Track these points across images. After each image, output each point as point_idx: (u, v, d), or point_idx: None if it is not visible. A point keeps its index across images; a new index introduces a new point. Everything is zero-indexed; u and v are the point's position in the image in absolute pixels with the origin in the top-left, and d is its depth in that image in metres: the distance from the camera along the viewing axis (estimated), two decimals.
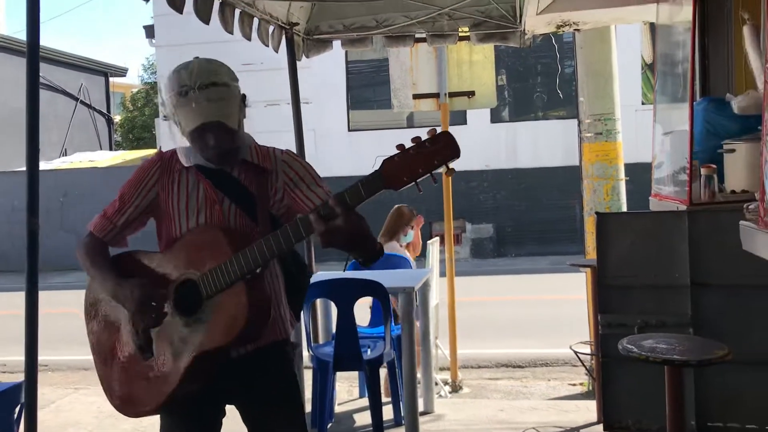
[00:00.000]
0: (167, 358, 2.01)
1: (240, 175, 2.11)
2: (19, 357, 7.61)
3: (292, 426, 2.14)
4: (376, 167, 1.76)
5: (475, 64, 5.37)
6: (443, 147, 1.71)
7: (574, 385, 5.41)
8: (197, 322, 1.98)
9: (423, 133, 1.75)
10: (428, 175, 1.72)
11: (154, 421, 2.20)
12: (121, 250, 2.21)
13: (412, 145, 1.73)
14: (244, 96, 2.09)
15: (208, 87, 1.97)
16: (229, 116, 2.00)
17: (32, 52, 2.38)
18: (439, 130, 1.76)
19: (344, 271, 4.57)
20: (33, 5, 2.35)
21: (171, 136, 2.10)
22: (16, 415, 2.42)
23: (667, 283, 3.20)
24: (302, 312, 3.77)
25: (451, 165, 1.73)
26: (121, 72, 25.00)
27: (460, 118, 12.88)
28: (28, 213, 2.38)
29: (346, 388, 5.14)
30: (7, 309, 10.43)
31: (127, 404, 2.11)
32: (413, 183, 1.73)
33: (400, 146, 1.74)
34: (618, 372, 3.33)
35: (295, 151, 4.70)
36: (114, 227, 2.17)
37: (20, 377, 5.44)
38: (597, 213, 3.40)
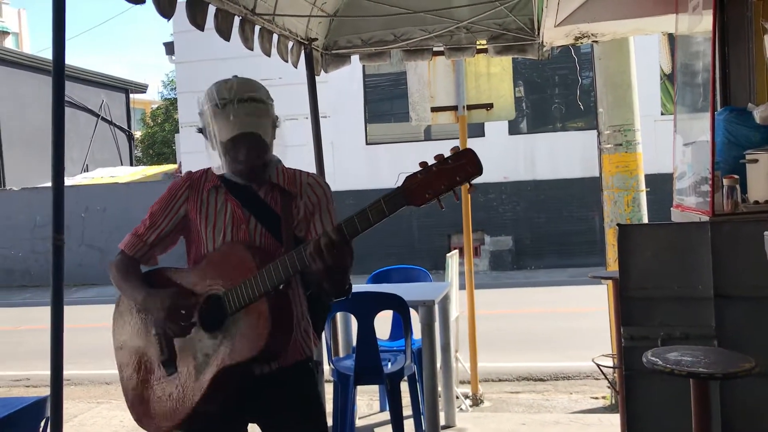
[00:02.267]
0: (190, 373, 2.03)
1: (266, 196, 2.15)
2: (43, 371, 7.65)
3: None
4: (399, 183, 1.77)
5: (493, 76, 5.38)
6: (466, 164, 1.72)
7: (597, 398, 5.35)
8: (221, 337, 2.00)
9: (441, 146, 1.76)
10: (450, 191, 1.73)
11: None
12: (151, 267, 2.24)
13: (435, 162, 1.74)
14: (276, 117, 2.14)
15: (246, 102, 2.03)
16: (264, 131, 2.06)
17: (58, 70, 2.42)
18: (459, 145, 1.78)
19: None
20: (59, 25, 2.40)
21: (207, 155, 2.13)
22: (41, 429, 2.44)
23: (691, 295, 3.16)
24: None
25: (474, 181, 1.74)
26: (142, 88, 25.31)
27: (478, 131, 12.88)
28: (54, 230, 2.41)
29: (367, 402, 5.12)
30: (31, 324, 10.55)
31: (150, 419, 2.12)
32: (435, 199, 1.74)
33: (423, 163, 1.75)
34: (642, 385, 3.29)
35: (314, 165, 4.74)
36: (144, 245, 2.21)
37: (44, 391, 5.49)
38: (618, 225, 3.37)
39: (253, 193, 2.14)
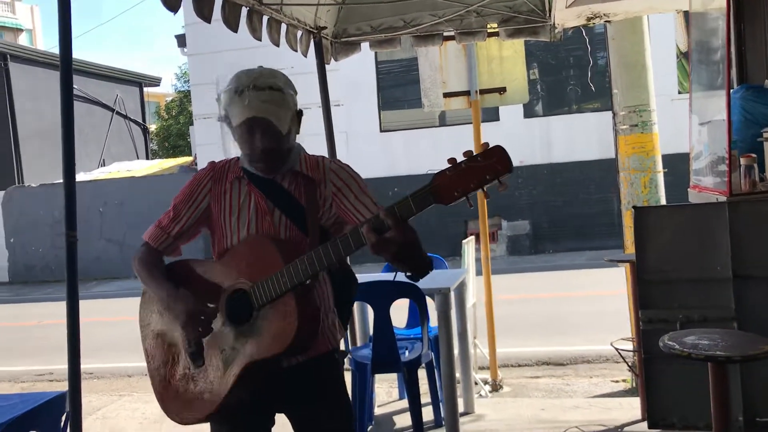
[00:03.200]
0: (218, 366, 2.04)
1: (290, 186, 2.13)
2: (65, 365, 7.75)
3: None
4: (428, 180, 1.74)
5: (505, 59, 5.32)
6: (496, 162, 1.68)
7: (617, 381, 5.32)
8: (248, 331, 2.00)
9: (455, 131, 1.72)
10: (480, 189, 1.70)
11: (198, 428, 2.22)
12: (175, 258, 2.25)
13: (464, 159, 1.71)
14: (300, 111, 2.12)
15: (263, 89, 2.02)
16: (278, 118, 2.03)
17: (65, 66, 2.42)
18: (472, 131, 1.74)
19: (395, 275, 4.56)
20: (65, 22, 2.39)
21: (222, 146, 2.13)
22: (62, 423, 2.45)
23: (709, 277, 3.13)
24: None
25: (504, 179, 1.70)
26: (155, 82, 25.40)
27: (492, 115, 12.80)
28: (67, 226, 2.42)
29: (386, 390, 5.13)
30: (53, 319, 10.67)
31: (178, 411, 2.14)
32: (464, 198, 1.71)
33: (452, 160, 1.72)
34: (661, 368, 3.27)
35: (327, 154, 4.72)
36: (168, 237, 2.21)
37: (67, 386, 5.54)
38: (634, 207, 3.33)
39: (276, 184, 2.13)
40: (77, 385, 2.42)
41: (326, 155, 4.65)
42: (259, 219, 2.10)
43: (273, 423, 2.22)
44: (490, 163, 1.68)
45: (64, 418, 2.48)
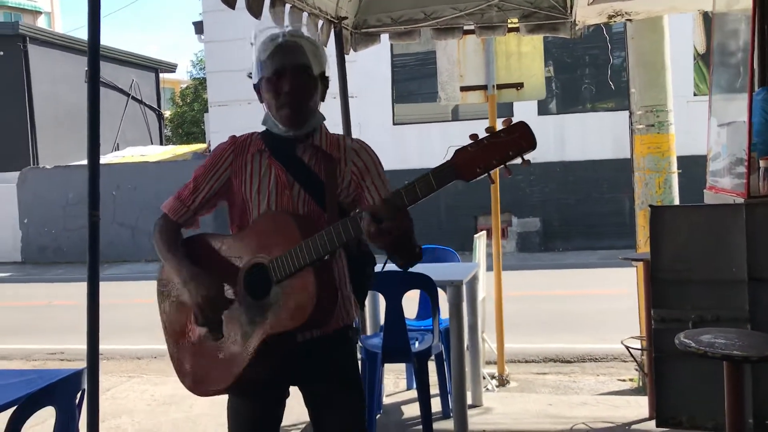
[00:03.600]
0: (237, 340, 2.06)
1: (310, 161, 2.14)
2: (76, 345, 7.81)
3: (352, 413, 2.18)
4: (448, 157, 1.72)
5: (524, 55, 5.31)
6: (519, 137, 1.66)
7: (624, 380, 5.34)
8: (266, 305, 2.01)
9: (468, 127, 1.72)
10: (502, 166, 1.68)
11: (205, 409, 2.26)
12: (194, 231, 2.26)
13: (486, 135, 1.69)
14: (327, 77, 2.15)
15: (299, 38, 2.08)
16: (312, 65, 2.07)
17: (93, 51, 2.44)
18: (491, 124, 1.75)
19: (383, 266, 4.59)
20: (94, 6, 2.42)
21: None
22: (77, 401, 2.49)
23: (724, 278, 3.13)
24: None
25: (527, 156, 1.68)
26: (171, 68, 25.49)
27: (506, 111, 12.77)
28: (90, 206, 2.45)
29: (393, 381, 5.16)
30: (65, 299, 10.77)
31: (197, 383, 2.16)
32: (486, 174, 1.70)
33: (473, 136, 1.70)
34: (671, 367, 3.28)
35: None
36: (187, 210, 2.23)
37: (78, 364, 5.60)
38: (651, 206, 3.33)
39: (297, 159, 2.14)
40: (95, 363, 2.46)
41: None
42: (278, 192, 2.11)
43: (288, 395, 2.25)
44: (513, 138, 1.67)
45: (79, 395, 2.51)
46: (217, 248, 2.16)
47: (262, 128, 2.21)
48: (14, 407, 2.17)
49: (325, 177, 2.11)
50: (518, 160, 1.70)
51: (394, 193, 1.79)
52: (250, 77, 2.17)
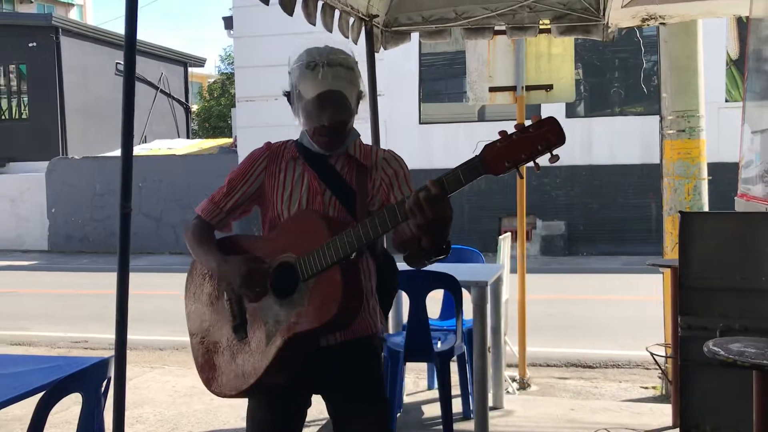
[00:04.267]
0: (261, 339, 2.06)
1: (342, 169, 2.16)
2: (100, 334, 7.90)
3: (374, 424, 2.16)
4: (477, 152, 1.73)
5: (554, 57, 5.28)
6: (548, 132, 1.66)
7: (646, 388, 5.29)
8: (292, 303, 2.02)
9: (495, 127, 1.72)
10: (531, 161, 1.68)
11: (226, 401, 2.26)
12: (225, 234, 2.28)
13: (515, 130, 1.69)
14: (362, 91, 2.15)
15: (336, 65, 2.06)
16: (349, 94, 2.07)
17: (129, 46, 2.48)
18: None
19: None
20: (132, 3, 2.45)
21: (296, 120, 2.16)
22: (103, 389, 2.52)
23: (753, 287, 3.09)
24: None
25: (556, 152, 1.67)
26: (200, 62, 25.68)
27: (534, 113, 12.64)
28: (122, 198, 2.48)
29: (413, 380, 5.16)
30: (89, 288, 10.91)
31: (218, 383, 2.16)
32: (514, 169, 1.70)
33: (502, 132, 1.70)
34: (697, 376, 3.24)
35: (371, 143, 4.74)
36: (220, 212, 2.24)
37: (102, 353, 5.65)
38: (681, 212, 3.29)
39: (330, 166, 2.16)
40: (123, 352, 2.49)
41: (370, 143, 4.69)
42: (310, 198, 2.13)
43: (309, 404, 2.25)
44: (542, 132, 1.66)
45: (105, 383, 2.54)
46: (248, 248, 2.17)
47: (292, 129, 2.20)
48: (42, 392, 2.20)
49: (356, 186, 2.13)
50: (547, 156, 1.70)
51: (436, 180, 1.78)
52: (286, 96, 2.16)
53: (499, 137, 1.70)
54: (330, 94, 2.04)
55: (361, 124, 5.27)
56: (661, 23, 4.57)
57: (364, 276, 2.14)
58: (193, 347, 2.25)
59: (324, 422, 4.02)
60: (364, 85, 2.17)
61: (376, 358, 2.23)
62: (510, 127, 1.71)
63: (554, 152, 1.68)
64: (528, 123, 1.70)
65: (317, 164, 2.16)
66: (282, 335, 2.02)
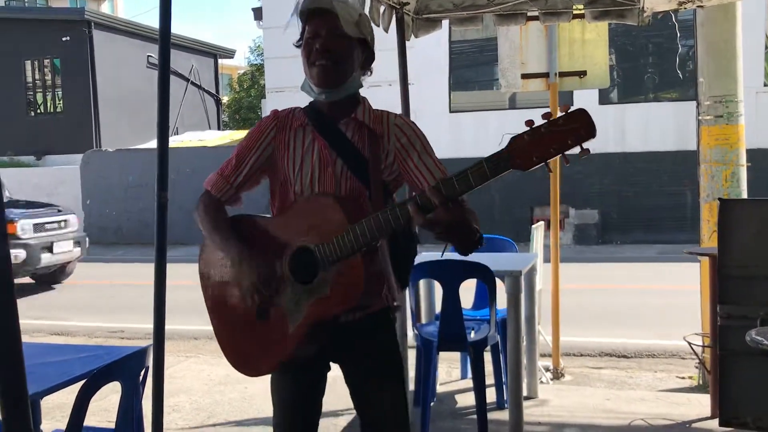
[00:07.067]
0: (283, 322, 2.07)
1: (353, 136, 2.13)
2: (136, 324, 8.00)
3: (392, 394, 2.18)
4: (503, 145, 1.67)
5: (587, 42, 5.20)
6: (578, 127, 1.60)
7: (683, 378, 5.21)
8: (314, 290, 2.02)
9: (525, 115, 1.66)
10: (560, 155, 1.63)
11: (260, 389, 2.28)
12: (237, 211, 2.25)
13: (544, 122, 1.63)
14: (370, 47, 2.12)
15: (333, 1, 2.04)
16: (345, 21, 2.04)
17: (164, 40, 2.50)
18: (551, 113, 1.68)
19: (443, 253, 4.56)
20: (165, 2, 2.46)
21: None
22: (141, 377, 2.56)
23: None
24: (409, 289, 3.82)
25: (586, 145, 1.62)
26: (230, 54, 25.83)
27: (566, 100, 12.54)
28: (158, 187, 2.51)
29: (446, 370, 5.15)
30: (123, 279, 11.07)
31: (244, 364, 2.19)
32: (543, 164, 1.64)
33: (529, 122, 1.64)
34: (737, 366, 3.19)
35: None
36: (230, 187, 2.22)
37: (138, 343, 5.73)
38: (720, 199, 3.23)
39: (340, 133, 2.12)
40: (161, 341, 2.52)
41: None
42: (321, 169, 2.10)
43: (329, 369, 2.27)
44: (572, 127, 1.60)
45: (143, 372, 2.58)
46: (261, 230, 2.15)
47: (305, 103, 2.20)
48: (83, 380, 2.24)
49: (368, 153, 2.09)
50: (576, 149, 1.64)
51: (445, 182, 1.75)
52: (298, 47, 2.14)
53: (526, 129, 1.64)
54: (320, 11, 2.03)
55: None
56: (699, 6, 4.47)
57: (382, 255, 2.13)
58: (215, 328, 2.24)
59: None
60: (372, 39, 2.11)
61: (391, 329, 2.23)
62: (538, 115, 1.65)
63: (584, 146, 1.62)
64: (558, 114, 1.64)
65: (327, 131, 2.12)
66: (304, 319, 2.03)
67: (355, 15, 2.08)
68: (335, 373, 2.26)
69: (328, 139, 2.11)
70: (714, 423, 3.61)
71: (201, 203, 2.24)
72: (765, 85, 12.01)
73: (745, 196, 4.83)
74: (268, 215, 2.22)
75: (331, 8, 2.04)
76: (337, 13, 2.03)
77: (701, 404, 4.12)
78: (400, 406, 2.18)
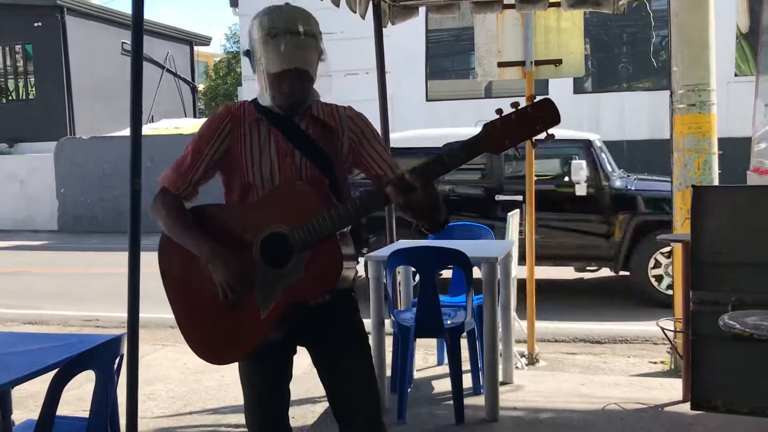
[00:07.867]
0: (254, 308, 2.07)
1: (308, 129, 2.17)
2: (111, 313, 7.90)
3: (361, 363, 2.22)
4: (477, 130, 1.83)
5: (563, 31, 5.21)
6: (545, 115, 1.79)
7: (655, 362, 5.29)
8: (287, 274, 2.04)
9: (501, 103, 1.84)
10: (529, 140, 1.81)
11: (237, 378, 2.28)
12: (198, 204, 2.25)
13: (513, 111, 1.81)
14: (322, 51, 2.14)
15: (298, 35, 2.04)
16: (310, 65, 2.07)
17: (137, 27, 2.47)
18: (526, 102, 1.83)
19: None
20: None
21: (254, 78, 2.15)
22: (116, 365, 2.54)
23: (766, 261, 3.08)
24: (386, 276, 3.83)
25: (551, 131, 1.81)
26: (205, 41, 25.56)
27: (541, 89, 12.62)
28: (132, 174, 2.48)
29: (422, 356, 5.17)
30: (98, 267, 10.96)
31: (213, 353, 2.20)
32: (513, 147, 1.83)
33: (499, 110, 1.82)
34: (708, 350, 3.24)
35: (378, 121, 4.72)
36: (189, 184, 2.22)
37: (113, 332, 5.70)
38: (693, 186, 3.27)
39: (295, 126, 2.16)
40: (136, 330, 2.50)
41: (378, 121, 4.65)
42: (280, 159, 2.13)
43: (295, 352, 2.30)
44: (539, 114, 1.79)
45: (117, 360, 2.56)
46: (226, 219, 2.17)
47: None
48: (56, 369, 2.21)
49: (326, 145, 2.15)
50: (542, 135, 1.83)
51: (423, 165, 1.86)
52: (247, 55, 2.15)
53: (497, 116, 1.81)
54: (291, 72, 2.04)
55: (369, 102, 5.28)
56: None
57: (350, 238, 2.18)
58: (178, 319, 2.24)
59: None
60: (323, 41, 2.13)
61: (356, 308, 2.28)
62: (513, 105, 1.81)
63: (549, 131, 1.82)
64: (522, 105, 1.82)
65: (282, 125, 2.16)
66: (278, 304, 2.04)
67: (317, 38, 2.09)
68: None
69: (285, 131, 2.15)
70: (686, 406, 3.67)
71: (159, 202, 2.22)
72: (736, 75, 12.16)
73: (716, 183, 4.89)
74: (231, 203, 2.22)
75: (300, 48, 2.03)
76: (304, 49, 2.04)
77: (673, 388, 4.18)
78: (371, 374, 2.23)
